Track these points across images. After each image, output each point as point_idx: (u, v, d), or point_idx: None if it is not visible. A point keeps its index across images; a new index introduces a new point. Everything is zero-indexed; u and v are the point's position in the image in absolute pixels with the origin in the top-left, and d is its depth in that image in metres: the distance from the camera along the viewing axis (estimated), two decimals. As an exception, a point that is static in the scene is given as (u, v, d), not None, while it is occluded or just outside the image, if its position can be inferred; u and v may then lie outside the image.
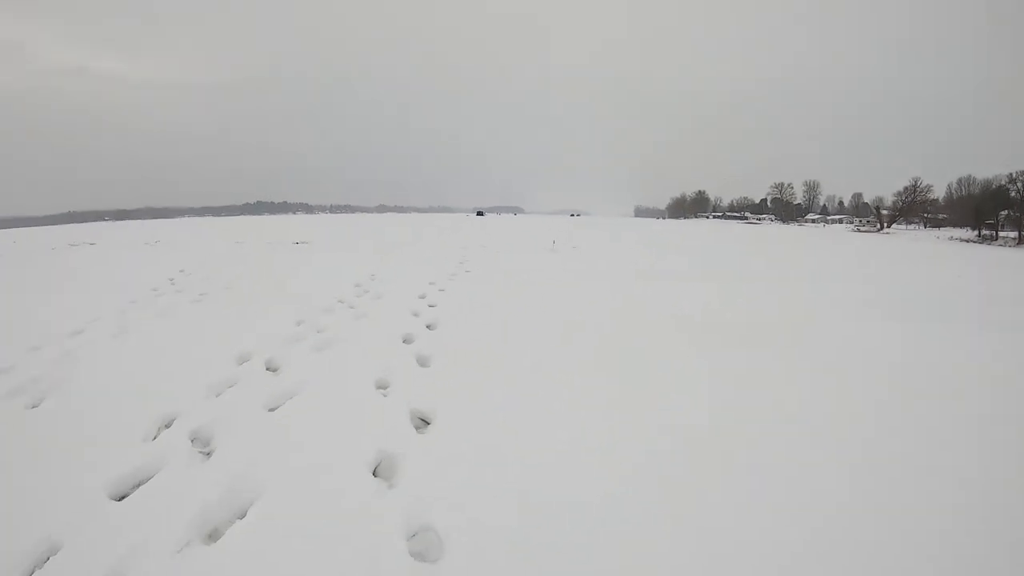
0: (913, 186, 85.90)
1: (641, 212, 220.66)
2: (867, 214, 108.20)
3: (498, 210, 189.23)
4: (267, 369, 5.77)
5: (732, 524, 3.19)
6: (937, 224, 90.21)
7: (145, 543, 2.86)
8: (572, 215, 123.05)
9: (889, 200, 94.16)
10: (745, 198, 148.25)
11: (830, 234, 58.50)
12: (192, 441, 4.06)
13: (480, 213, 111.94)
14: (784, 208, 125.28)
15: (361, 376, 5.40)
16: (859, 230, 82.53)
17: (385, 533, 2.99)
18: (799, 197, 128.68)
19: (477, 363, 5.90)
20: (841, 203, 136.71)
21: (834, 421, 4.57)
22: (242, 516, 3.15)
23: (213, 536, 3.00)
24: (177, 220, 71.15)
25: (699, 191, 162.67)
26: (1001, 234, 64.62)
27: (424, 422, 4.43)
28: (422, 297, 10.10)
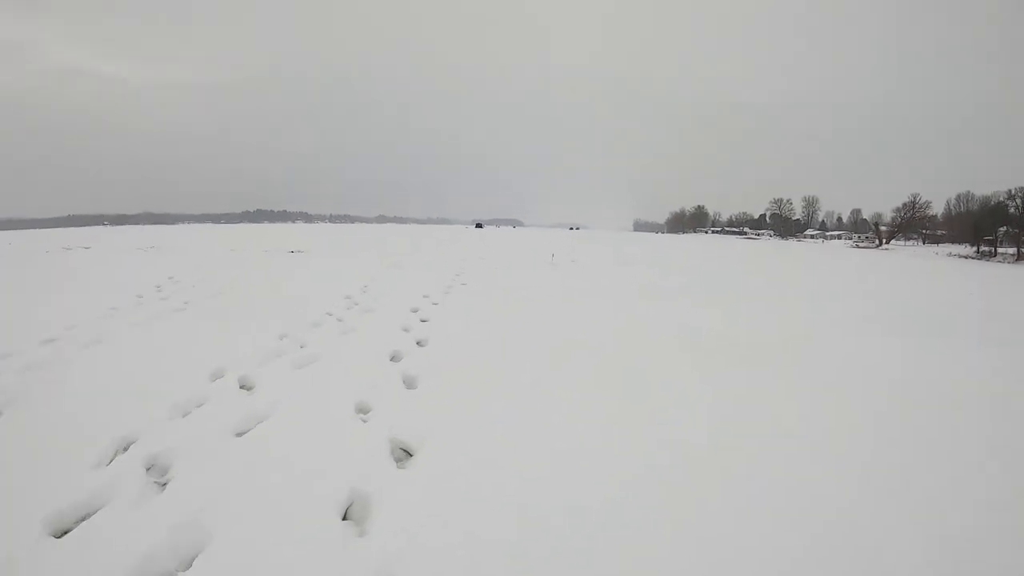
0: (912, 202, 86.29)
1: (640, 226, 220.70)
2: (865, 230, 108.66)
3: (497, 222, 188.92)
4: (241, 387, 5.40)
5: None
6: (936, 240, 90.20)
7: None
8: (571, 228, 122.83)
9: (888, 216, 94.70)
10: (744, 213, 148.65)
11: (829, 250, 58.17)
12: (148, 469, 3.71)
13: (479, 225, 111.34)
14: (783, 224, 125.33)
15: (341, 398, 5.05)
16: (858, 246, 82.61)
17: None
18: (798, 213, 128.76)
19: (469, 385, 5.54)
20: (839, 219, 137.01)
21: (833, 435, 4.65)
22: (188, 567, 2.79)
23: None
24: (176, 227, 70.37)
25: (698, 206, 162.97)
26: (1000, 250, 64.72)
27: (406, 453, 4.07)
28: (415, 311, 9.75)
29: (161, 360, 6.17)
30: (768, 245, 68.04)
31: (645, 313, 10.35)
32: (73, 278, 13.32)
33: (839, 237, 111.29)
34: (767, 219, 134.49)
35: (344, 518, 3.29)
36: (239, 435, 4.27)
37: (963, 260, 53.36)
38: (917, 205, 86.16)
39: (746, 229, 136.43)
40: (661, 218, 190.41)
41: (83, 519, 3.15)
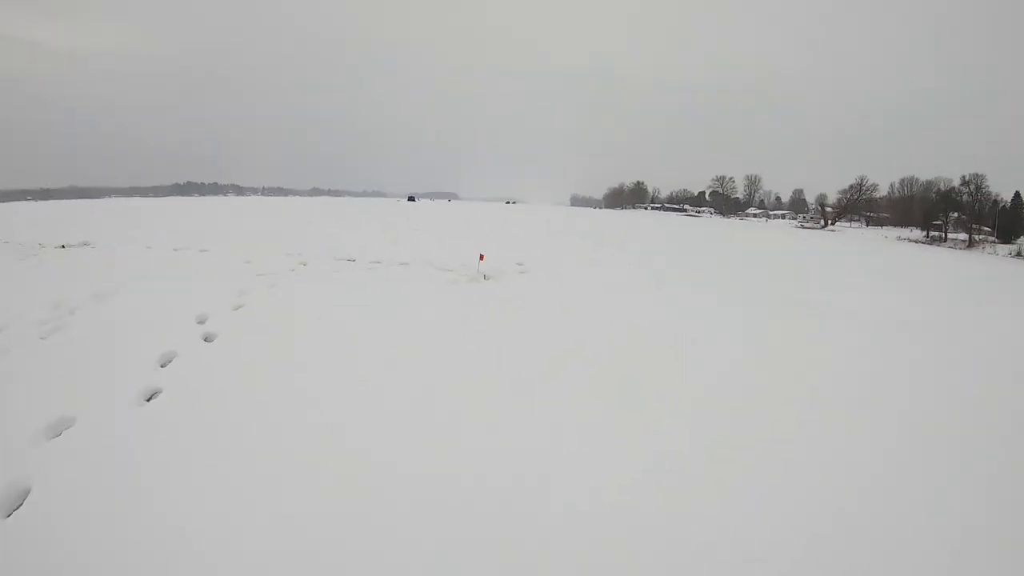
0: (859, 184, 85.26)
1: (577, 201, 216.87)
2: (805, 210, 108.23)
3: (432, 196, 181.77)
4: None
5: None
6: (879, 223, 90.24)
7: None
8: (508, 202, 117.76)
9: (833, 197, 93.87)
10: (685, 190, 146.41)
11: (788, 233, 55.32)
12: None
13: (412, 199, 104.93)
14: (724, 202, 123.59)
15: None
16: (803, 226, 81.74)
17: None
18: (740, 191, 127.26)
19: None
20: (778, 198, 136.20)
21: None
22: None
23: None
24: (104, 201, 63.48)
25: (638, 182, 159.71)
26: (949, 236, 64.63)
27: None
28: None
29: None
30: (721, 225, 64.78)
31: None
32: None
33: (783, 217, 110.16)
34: (707, 197, 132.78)
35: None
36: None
37: (920, 246, 52.51)
38: (864, 187, 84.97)
39: (686, 206, 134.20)
40: (599, 193, 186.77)
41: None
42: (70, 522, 3.85)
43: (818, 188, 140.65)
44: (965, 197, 65.80)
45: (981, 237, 62.09)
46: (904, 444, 5.11)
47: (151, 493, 4.16)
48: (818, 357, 7.73)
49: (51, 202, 54.65)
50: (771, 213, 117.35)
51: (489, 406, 5.83)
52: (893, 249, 36.55)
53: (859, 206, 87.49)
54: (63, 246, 16.90)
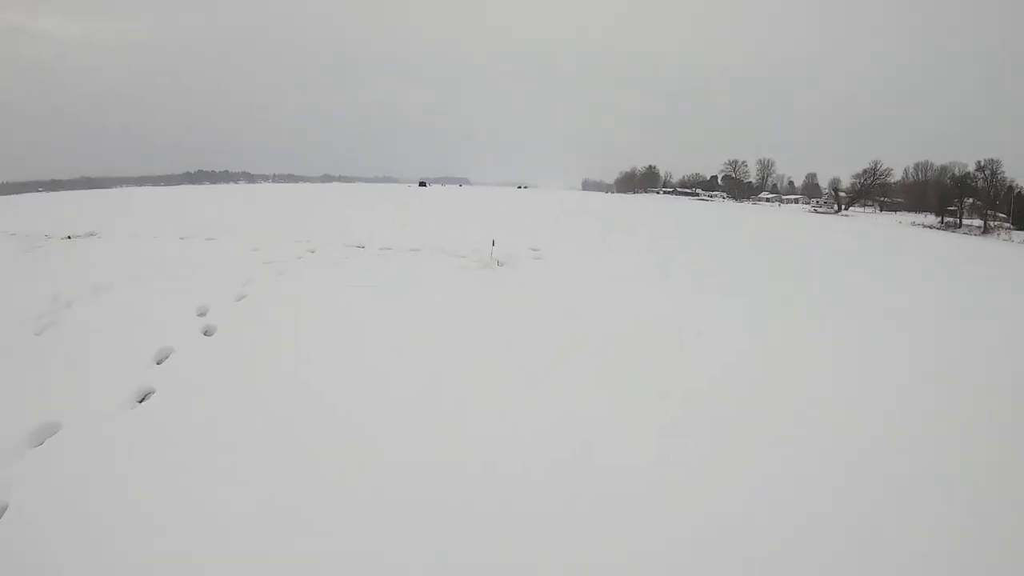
0: (873, 169, 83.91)
1: (589, 186, 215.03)
2: (818, 195, 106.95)
3: (443, 181, 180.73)
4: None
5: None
6: (893, 208, 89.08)
7: None
8: (519, 187, 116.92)
9: (846, 182, 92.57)
10: (697, 174, 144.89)
11: (803, 219, 54.48)
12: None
13: (423, 184, 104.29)
14: (736, 186, 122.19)
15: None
16: (816, 211, 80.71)
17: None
18: (752, 175, 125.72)
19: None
20: (791, 183, 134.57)
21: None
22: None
23: None
24: (114, 191, 64.53)
25: (649, 166, 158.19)
26: (964, 222, 63.77)
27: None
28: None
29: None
30: (740, 211, 64.01)
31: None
32: None
33: (796, 201, 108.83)
34: (719, 181, 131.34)
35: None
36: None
37: (939, 232, 51.88)
38: (878, 172, 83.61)
39: (698, 190, 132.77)
40: (610, 178, 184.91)
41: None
42: (50, 540, 3.54)
43: (831, 172, 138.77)
44: (980, 183, 64.71)
45: (996, 223, 61.12)
46: (905, 442, 5.10)
47: (137, 504, 3.89)
48: (822, 352, 7.64)
49: (61, 193, 54.79)
50: (784, 197, 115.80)
51: (499, 393, 5.79)
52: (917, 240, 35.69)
53: (873, 191, 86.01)
54: (69, 237, 16.62)
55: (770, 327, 8.65)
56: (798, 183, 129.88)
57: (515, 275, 11.59)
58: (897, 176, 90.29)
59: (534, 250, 15.06)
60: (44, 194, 57.10)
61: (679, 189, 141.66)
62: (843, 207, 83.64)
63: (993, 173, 65.52)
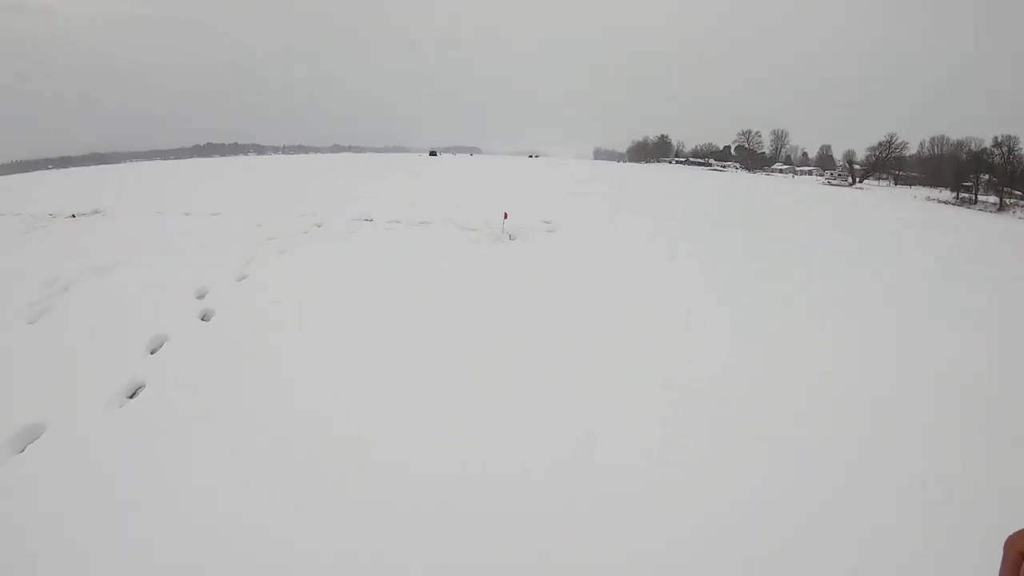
0: (889, 142, 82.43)
1: (600, 155, 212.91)
2: (832, 167, 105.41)
3: (454, 150, 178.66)
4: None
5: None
6: (908, 182, 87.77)
7: None
8: (531, 156, 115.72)
9: (861, 154, 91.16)
10: (709, 144, 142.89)
11: (818, 192, 53.70)
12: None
13: (433, 153, 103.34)
14: (749, 157, 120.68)
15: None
16: (830, 183, 79.62)
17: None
18: (766, 146, 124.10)
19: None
20: (805, 154, 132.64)
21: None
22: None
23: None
24: (121, 166, 63.72)
25: (662, 135, 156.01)
26: (980, 198, 62.74)
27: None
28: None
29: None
30: (750, 184, 63.12)
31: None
32: None
33: (810, 173, 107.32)
34: (732, 151, 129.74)
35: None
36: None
37: (955, 208, 50.94)
38: (893, 145, 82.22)
39: (711, 161, 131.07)
40: (622, 146, 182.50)
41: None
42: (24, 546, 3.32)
43: (846, 145, 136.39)
44: (997, 159, 63.45)
45: (1012, 200, 60.17)
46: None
47: (117, 514, 3.68)
48: (824, 341, 7.65)
49: (70, 170, 54.52)
50: (797, 169, 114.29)
51: (503, 384, 5.72)
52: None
53: (888, 164, 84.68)
54: (73, 216, 16.40)
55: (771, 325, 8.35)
56: (812, 155, 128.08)
57: (527, 249, 11.23)
58: (913, 150, 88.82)
59: (547, 223, 14.64)
60: (53, 171, 57.12)
61: (691, 159, 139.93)
62: (857, 180, 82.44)
63: (1011, 149, 64.14)
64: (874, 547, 3.63)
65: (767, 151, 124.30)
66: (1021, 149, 63.96)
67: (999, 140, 64.38)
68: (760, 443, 4.86)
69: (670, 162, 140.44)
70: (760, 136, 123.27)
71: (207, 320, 6.84)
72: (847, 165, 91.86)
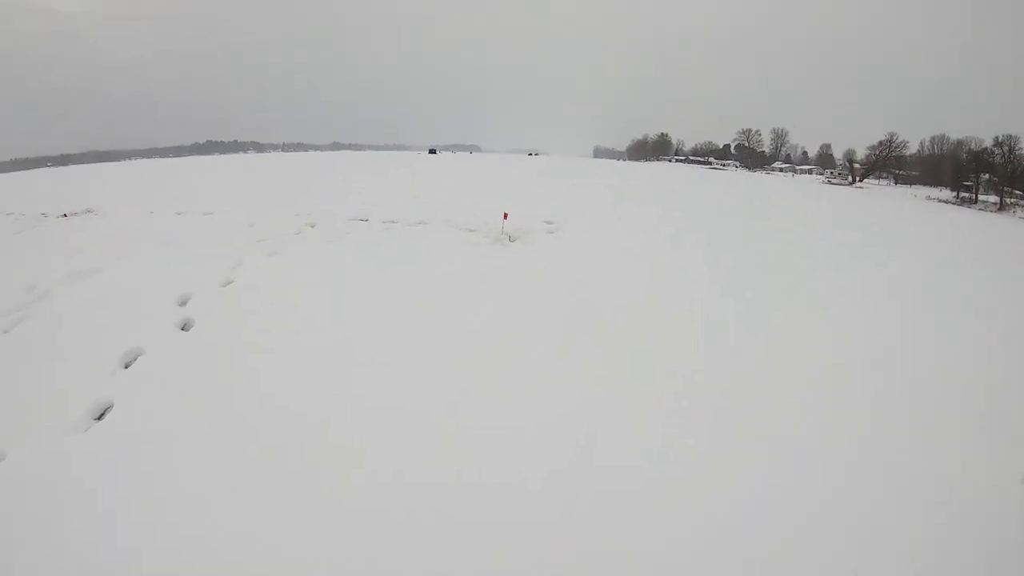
0: (889, 141, 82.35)
1: (600, 153, 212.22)
2: (832, 165, 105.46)
3: (454, 148, 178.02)
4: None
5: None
6: (908, 181, 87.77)
7: None
8: (530, 154, 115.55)
9: (861, 153, 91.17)
10: (709, 143, 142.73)
11: (822, 191, 53.53)
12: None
13: (433, 151, 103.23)
14: (749, 155, 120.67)
15: None
16: (830, 182, 79.69)
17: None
18: (766, 145, 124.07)
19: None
20: (805, 153, 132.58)
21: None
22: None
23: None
24: (119, 164, 63.27)
25: (661, 134, 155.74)
26: (980, 198, 62.81)
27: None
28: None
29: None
30: (753, 184, 62.88)
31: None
32: None
33: (810, 172, 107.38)
34: (732, 150, 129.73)
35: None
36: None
37: (955, 208, 51.00)
38: (894, 144, 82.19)
39: (711, 159, 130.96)
40: (621, 145, 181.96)
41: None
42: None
43: (846, 144, 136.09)
44: (998, 158, 63.46)
45: (1012, 200, 60.19)
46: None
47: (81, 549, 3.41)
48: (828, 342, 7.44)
49: (69, 167, 54.38)
50: (797, 168, 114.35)
51: (501, 386, 5.69)
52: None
53: (888, 163, 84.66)
54: (65, 215, 16.11)
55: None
56: (812, 153, 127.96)
57: (527, 252, 10.91)
58: (913, 149, 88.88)
59: (548, 223, 14.28)
60: (51, 169, 56.98)
61: (691, 157, 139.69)
62: (857, 179, 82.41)
63: (1011, 149, 64.15)
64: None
65: (767, 150, 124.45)
66: (1022, 148, 64.03)
67: (999, 139, 64.56)
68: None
69: (670, 160, 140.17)
70: (760, 135, 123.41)
71: (187, 330, 6.53)
72: (847, 164, 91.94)
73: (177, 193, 20.69)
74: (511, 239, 12.12)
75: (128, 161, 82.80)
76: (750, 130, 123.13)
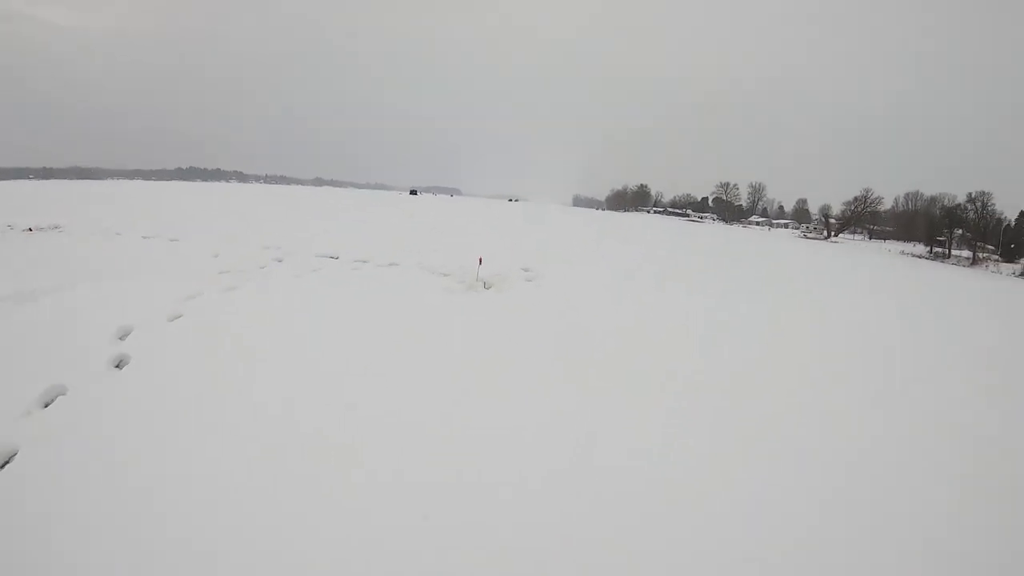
0: (864, 197, 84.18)
1: (580, 202, 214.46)
2: (808, 220, 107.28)
3: (435, 190, 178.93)
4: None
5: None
6: (883, 236, 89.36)
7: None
8: (510, 200, 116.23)
9: (836, 209, 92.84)
10: (687, 195, 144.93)
11: (802, 246, 54.06)
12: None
13: (414, 192, 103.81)
14: (727, 208, 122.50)
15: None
16: (806, 236, 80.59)
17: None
18: (743, 199, 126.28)
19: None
20: (781, 207, 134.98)
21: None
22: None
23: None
24: (100, 183, 63.45)
25: (641, 185, 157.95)
26: (953, 252, 64.09)
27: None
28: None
29: None
30: (734, 239, 63.43)
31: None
32: None
33: (786, 226, 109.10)
34: (710, 203, 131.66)
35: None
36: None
37: (931, 263, 51.70)
38: (869, 200, 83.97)
39: (689, 211, 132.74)
40: (601, 194, 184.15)
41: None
42: None
43: (822, 199, 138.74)
44: (971, 214, 65.00)
45: (985, 255, 61.48)
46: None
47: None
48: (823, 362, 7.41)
49: (51, 181, 53.55)
50: (774, 222, 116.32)
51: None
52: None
53: (863, 218, 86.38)
54: (30, 229, 15.59)
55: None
56: (788, 208, 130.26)
57: (502, 299, 10.33)
58: (887, 205, 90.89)
59: (525, 271, 13.73)
60: (31, 181, 56.28)
61: (670, 209, 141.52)
62: (833, 233, 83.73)
63: (984, 205, 65.80)
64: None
65: (744, 203, 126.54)
66: (994, 204, 65.65)
67: (972, 196, 66.31)
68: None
69: (648, 211, 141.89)
70: (738, 188, 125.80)
71: (120, 368, 5.84)
72: (823, 219, 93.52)
73: (149, 216, 20.15)
74: (485, 286, 11.55)
75: (111, 180, 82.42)
76: (728, 183, 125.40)
